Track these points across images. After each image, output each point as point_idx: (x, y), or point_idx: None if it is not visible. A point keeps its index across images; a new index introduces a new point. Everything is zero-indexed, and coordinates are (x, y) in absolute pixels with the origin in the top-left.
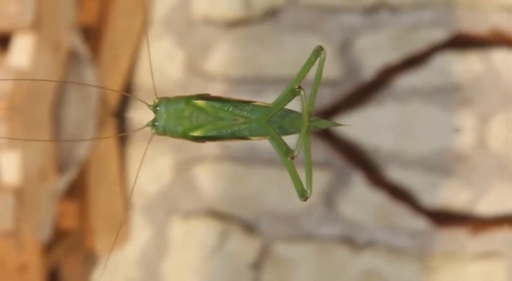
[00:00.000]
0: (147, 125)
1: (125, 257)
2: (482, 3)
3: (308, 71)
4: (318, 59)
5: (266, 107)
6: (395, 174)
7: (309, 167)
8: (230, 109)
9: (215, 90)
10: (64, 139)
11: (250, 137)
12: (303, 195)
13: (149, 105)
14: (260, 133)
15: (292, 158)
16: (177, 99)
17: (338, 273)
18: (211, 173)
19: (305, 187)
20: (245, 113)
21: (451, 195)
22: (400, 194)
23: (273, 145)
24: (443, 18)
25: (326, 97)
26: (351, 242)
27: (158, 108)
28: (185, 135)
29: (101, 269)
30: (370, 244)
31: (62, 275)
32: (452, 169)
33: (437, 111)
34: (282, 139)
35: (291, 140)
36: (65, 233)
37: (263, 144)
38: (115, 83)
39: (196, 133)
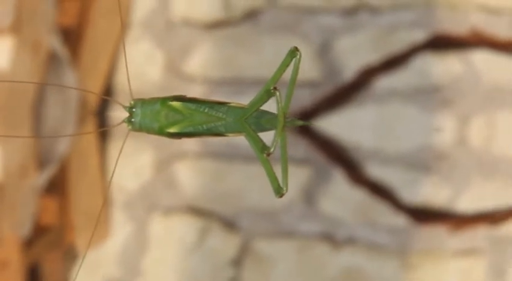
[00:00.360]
0: (123, 121)
1: (105, 253)
2: (461, 4)
3: (283, 72)
4: (294, 60)
5: (242, 108)
6: (376, 171)
7: (285, 163)
8: (206, 110)
9: (195, 91)
10: (45, 136)
11: (226, 134)
12: (279, 192)
13: (124, 107)
14: (236, 130)
15: (268, 154)
16: (152, 101)
17: (318, 270)
18: (191, 170)
19: (281, 183)
20: (220, 114)
21: (431, 192)
22: (380, 191)
23: (249, 141)
24: (423, 19)
25: (306, 98)
26: (331, 239)
27: (134, 109)
28: (161, 132)
29: (79, 266)
30: (350, 241)
31: (42, 271)
32: (432, 166)
33: (417, 112)
34: (258, 136)
35: (267, 136)
36: (45, 230)
37: (243, 141)
38: (95, 85)
39: (172, 129)
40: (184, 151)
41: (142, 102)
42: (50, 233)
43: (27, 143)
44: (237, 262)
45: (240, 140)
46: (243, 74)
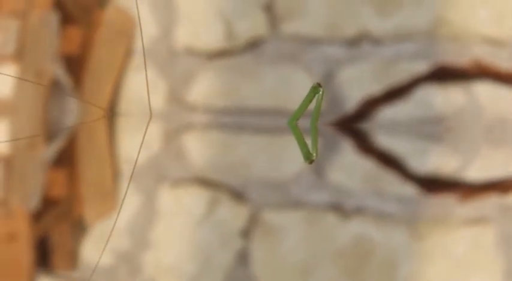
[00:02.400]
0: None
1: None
2: (464, 35)
3: (307, 107)
4: (317, 96)
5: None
6: (384, 141)
7: (315, 131)
8: None
9: (197, 120)
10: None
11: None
12: (308, 157)
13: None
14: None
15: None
16: None
17: (327, 240)
18: (199, 141)
19: (310, 149)
20: None
21: (440, 161)
22: (389, 161)
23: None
24: (426, 50)
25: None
26: (340, 209)
27: None
28: None
29: (90, 237)
30: (358, 211)
31: (50, 243)
32: (441, 135)
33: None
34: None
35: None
36: (53, 202)
37: (251, 112)
38: (97, 112)
39: None
40: (192, 122)
41: None
42: (58, 205)
43: (35, 116)
44: (246, 232)
45: (248, 111)
46: (245, 104)
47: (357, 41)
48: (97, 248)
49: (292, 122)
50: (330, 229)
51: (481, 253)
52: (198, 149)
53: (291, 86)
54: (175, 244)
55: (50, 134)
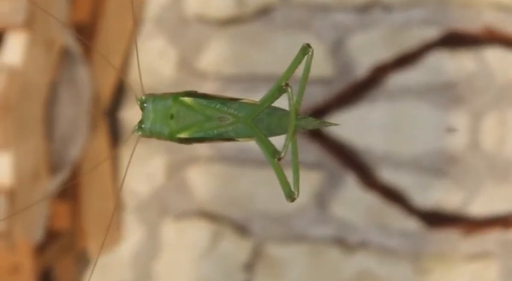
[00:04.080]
0: (134, 129)
1: (117, 258)
2: (474, 1)
3: (295, 68)
4: (306, 56)
5: (253, 105)
6: (388, 175)
7: (296, 167)
8: (217, 107)
9: (207, 88)
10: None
11: (236, 138)
12: (290, 196)
13: (136, 101)
14: (246, 134)
15: (279, 159)
16: (164, 96)
17: (330, 274)
18: (203, 174)
19: (292, 188)
20: (232, 111)
21: (444, 196)
22: (392, 195)
23: (260, 146)
24: (436, 16)
25: (318, 96)
26: (343, 243)
27: (145, 105)
28: (171, 137)
29: (91, 270)
30: (362, 245)
31: (54, 276)
32: (444, 170)
33: (430, 110)
34: (268, 140)
35: (278, 141)
36: (57, 234)
37: (253, 145)
38: (108, 81)
39: (182, 135)
40: (196, 155)
41: (154, 97)
42: (62, 238)
43: (39, 147)
44: (249, 266)
45: (251, 145)
46: (256, 71)
47: (367, 8)
48: (101, 280)
49: (273, 159)
50: (334, 263)
51: None
52: (201, 182)
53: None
54: (179, 277)
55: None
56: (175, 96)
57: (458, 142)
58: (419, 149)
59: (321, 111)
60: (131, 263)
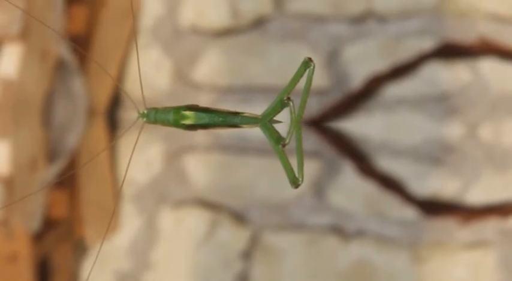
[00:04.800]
0: (139, 115)
1: (115, 246)
2: (470, 12)
3: (297, 82)
4: (307, 70)
5: (255, 118)
6: (385, 163)
7: (301, 154)
8: (220, 120)
9: (203, 99)
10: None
11: (241, 125)
12: (295, 182)
13: (138, 115)
14: (251, 121)
15: (284, 146)
16: (165, 110)
17: (328, 262)
18: (201, 163)
19: (297, 174)
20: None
21: (441, 184)
22: (389, 184)
23: (264, 132)
24: (431, 27)
25: (313, 107)
26: (341, 231)
27: (145, 119)
28: (177, 124)
29: (91, 258)
30: (359, 234)
31: (52, 264)
32: (442, 159)
33: (425, 120)
34: (273, 127)
35: (282, 127)
36: (55, 223)
37: (252, 133)
38: (103, 92)
39: (187, 121)
40: (194, 144)
41: (156, 111)
42: (59, 226)
43: (37, 137)
44: (247, 254)
45: (250, 133)
46: (251, 82)
47: (362, 19)
48: (98, 268)
49: (278, 146)
50: (331, 252)
51: (481, 276)
52: (199, 170)
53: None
54: (176, 265)
55: (52, 153)
56: (177, 110)
57: (455, 131)
58: (417, 138)
59: (318, 122)
60: (129, 252)
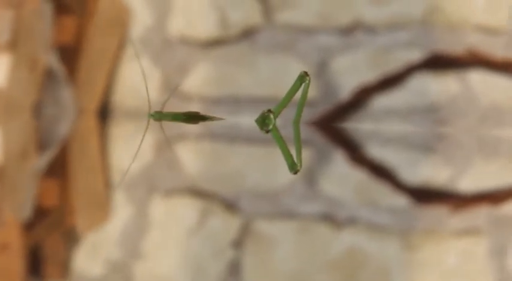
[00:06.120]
0: (149, 114)
1: (105, 235)
2: (458, 24)
3: (293, 96)
4: (303, 84)
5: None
6: (376, 151)
7: (299, 142)
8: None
9: (191, 109)
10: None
11: None
12: (293, 168)
13: (148, 116)
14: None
15: (267, 132)
16: (170, 114)
17: (319, 250)
18: (192, 151)
19: (295, 160)
20: None
21: (432, 172)
22: (381, 172)
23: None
24: (420, 38)
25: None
26: (332, 219)
27: (154, 117)
28: (188, 114)
29: (82, 247)
30: (351, 222)
31: (42, 253)
32: (433, 147)
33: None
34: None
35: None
36: (45, 212)
37: (243, 123)
38: (91, 101)
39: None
40: (184, 132)
41: (161, 115)
42: (50, 215)
43: (27, 126)
44: (238, 243)
45: (241, 122)
46: (240, 93)
47: (350, 30)
48: (89, 257)
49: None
50: (322, 240)
51: (472, 263)
52: (190, 159)
53: (285, 75)
54: (167, 254)
55: (43, 142)
56: (180, 115)
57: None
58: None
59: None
60: (119, 241)
